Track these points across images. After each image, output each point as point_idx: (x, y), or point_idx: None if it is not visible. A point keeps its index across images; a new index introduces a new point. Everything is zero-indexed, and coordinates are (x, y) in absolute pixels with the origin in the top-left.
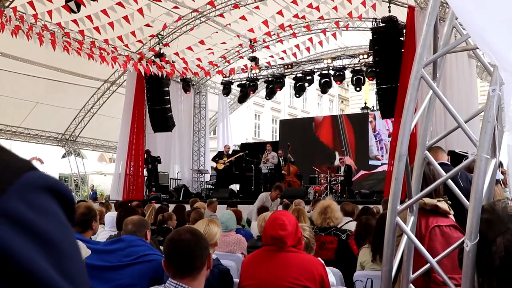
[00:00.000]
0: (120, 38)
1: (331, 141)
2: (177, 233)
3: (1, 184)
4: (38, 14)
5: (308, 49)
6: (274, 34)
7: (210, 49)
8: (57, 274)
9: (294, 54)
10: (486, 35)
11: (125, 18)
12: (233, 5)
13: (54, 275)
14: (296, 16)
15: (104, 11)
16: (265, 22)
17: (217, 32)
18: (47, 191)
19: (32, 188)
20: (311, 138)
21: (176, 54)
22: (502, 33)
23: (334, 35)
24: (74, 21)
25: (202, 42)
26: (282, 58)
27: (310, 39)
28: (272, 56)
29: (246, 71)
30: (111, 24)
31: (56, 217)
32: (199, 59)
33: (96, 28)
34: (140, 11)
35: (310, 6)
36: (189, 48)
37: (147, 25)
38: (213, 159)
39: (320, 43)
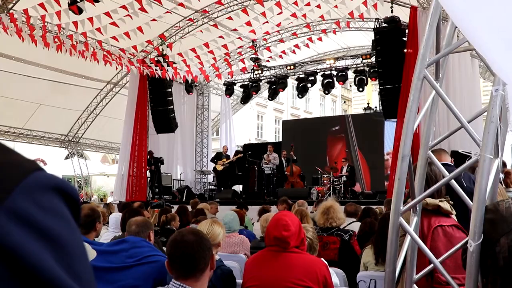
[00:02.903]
0: (126, 34)
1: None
2: (180, 234)
3: (8, 184)
4: (45, 15)
5: (307, 45)
6: (275, 35)
7: (211, 52)
8: (65, 274)
9: (294, 52)
10: (480, 41)
11: (129, 16)
12: (241, 9)
13: (63, 274)
14: (294, 15)
15: (107, 14)
16: (266, 23)
17: (222, 37)
18: (54, 191)
19: (40, 188)
20: (314, 139)
21: (180, 54)
22: (495, 40)
23: (334, 32)
24: (75, 23)
25: (206, 45)
26: (282, 54)
27: (310, 39)
28: (270, 58)
29: (249, 72)
30: (113, 24)
31: (63, 217)
32: (201, 63)
33: (98, 29)
34: (143, 10)
35: (309, 5)
36: (193, 50)
37: (154, 19)
38: (212, 160)
39: (320, 39)
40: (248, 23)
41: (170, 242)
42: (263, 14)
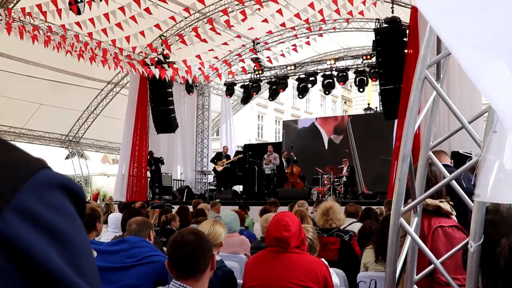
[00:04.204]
0: (126, 39)
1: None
2: (180, 234)
3: (15, 182)
4: (46, 12)
5: (308, 43)
6: (276, 35)
7: (212, 50)
8: (72, 271)
9: (295, 50)
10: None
11: (132, 18)
12: (240, 10)
13: (69, 271)
14: (297, 15)
15: (106, 15)
16: (266, 21)
17: (219, 33)
18: (61, 189)
19: (46, 186)
20: (315, 138)
21: (178, 51)
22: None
23: (334, 28)
24: (78, 23)
25: (204, 40)
26: (282, 55)
27: (308, 37)
28: (269, 61)
29: (250, 72)
30: (118, 25)
31: (70, 215)
32: (201, 64)
33: (104, 31)
34: (147, 11)
35: (311, 5)
36: (192, 48)
37: (157, 26)
38: (212, 161)
39: (321, 35)
40: (247, 22)
41: (171, 243)
42: (259, 4)
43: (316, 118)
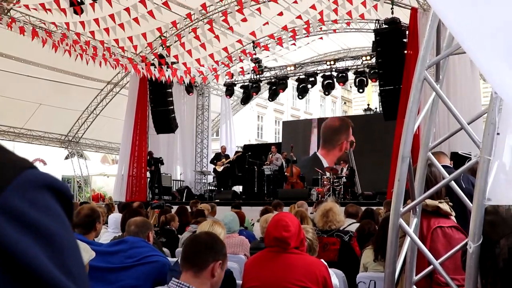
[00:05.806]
0: (129, 39)
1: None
2: (198, 233)
3: (1, 182)
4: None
5: (308, 43)
6: (276, 35)
7: (211, 55)
8: (59, 272)
9: (292, 46)
10: (473, 47)
11: (135, 19)
12: (236, 3)
13: (55, 271)
14: (299, 17)
15: (111, 16)
16: (267, 24)
17: (217, 36)
18: (47, 189)
19: (32, 186)
20: (314, 139)
21: (176, 57)
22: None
23: (334, 31)
24: (82, 22)
25: (203, 45)
26: (282, 54)
27: (308, 36)
28: (266, 62)
29: (249, 73)
30: (121, 25)
31: (57, 215)
32: (200, 64)
33: (107, 30)
34: (151, 14)
35: (313, 7)
36: (190, 52)
37: (159, 29)
38: (211, 162)
39: (321, 38)
40: (247, 23)
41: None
42: (258, 10)
43: (318, 148)
